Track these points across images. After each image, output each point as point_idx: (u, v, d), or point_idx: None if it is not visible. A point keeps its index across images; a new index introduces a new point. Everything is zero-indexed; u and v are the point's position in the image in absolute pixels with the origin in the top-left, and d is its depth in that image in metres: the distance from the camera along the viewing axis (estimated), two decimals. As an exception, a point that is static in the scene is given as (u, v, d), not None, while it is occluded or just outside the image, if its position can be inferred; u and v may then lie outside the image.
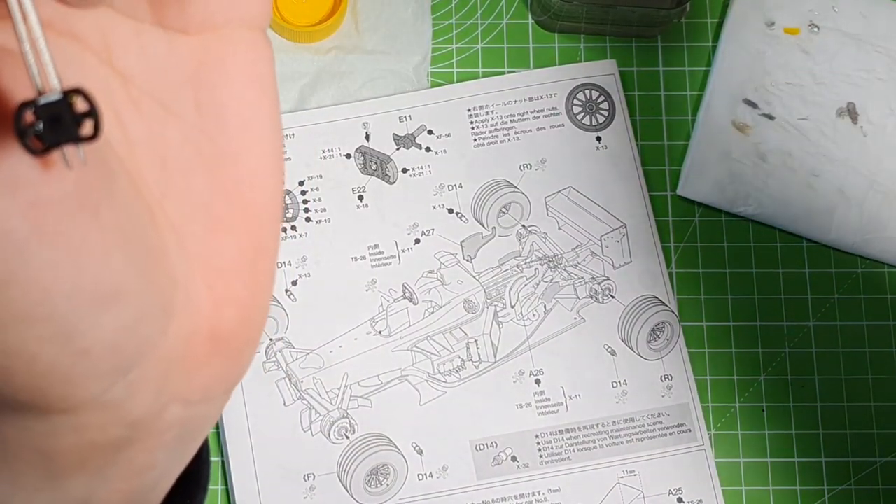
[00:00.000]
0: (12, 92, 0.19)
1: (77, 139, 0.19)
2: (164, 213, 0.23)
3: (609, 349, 0.65)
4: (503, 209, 0.66)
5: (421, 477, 0.63)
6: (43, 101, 0.18)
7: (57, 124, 0.18)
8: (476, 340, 0.65)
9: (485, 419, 0.64)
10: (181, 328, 0.22)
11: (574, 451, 0.63)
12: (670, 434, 0.64)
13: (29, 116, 0.18)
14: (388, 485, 0.63)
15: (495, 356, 0.65)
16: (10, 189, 0.19)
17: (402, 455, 0.63)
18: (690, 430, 0.64)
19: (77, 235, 0.19)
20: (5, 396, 0.20)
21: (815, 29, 0.68)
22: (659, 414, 0.64)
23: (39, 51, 0.19)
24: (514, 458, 0.63)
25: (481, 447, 0.63)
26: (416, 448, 0.63)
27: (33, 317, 0.19)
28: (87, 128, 0.19)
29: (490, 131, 0.67)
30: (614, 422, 0.64)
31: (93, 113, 0.19)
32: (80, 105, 0.19)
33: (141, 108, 0.23)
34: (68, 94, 0.19)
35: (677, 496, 0.63)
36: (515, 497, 0.63)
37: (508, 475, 0.63)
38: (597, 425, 0.64)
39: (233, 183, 0.23)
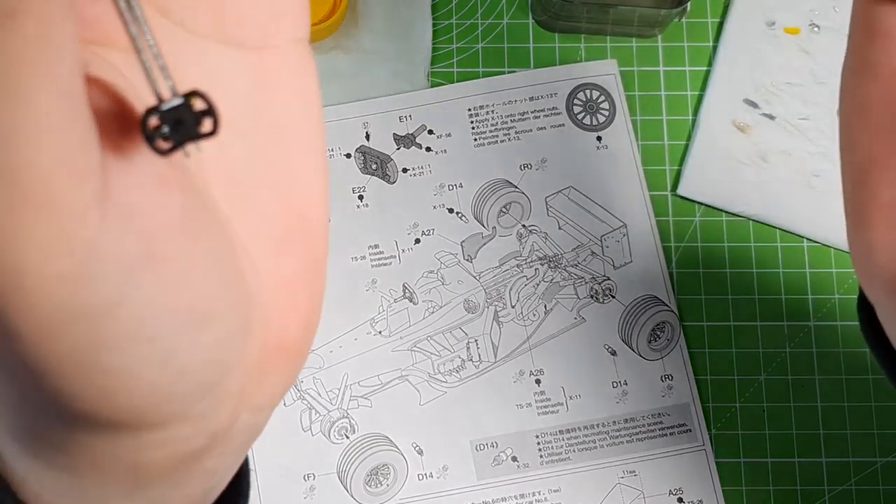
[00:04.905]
0: (130, 103, 0.20)
1: (198, 137, 0.20)
2: (234, 230, 0.24)
3: (609, 349, 0.64)
4: (503, 209, 0.66)
5: (421, 477, 0.63)
6: (166, 106, 0.20)
7: (179, 126, 0.20)
8: (476, 340, 0.65)
9: (485, 419, 0.64)
10: (255, 342, 0.23)
11: (574, 451, 0.63)
12: (671, 434, 0.64)
13: (153, 121, 0.19)
14: (388, 485, 0.62)
15: (495, 356, 0.64)
16: (126, 217, 0.19)
17: (403, 455, 0.63)
18: (691, 430, 0.64)
19: (182, 258, 0.20)
20: (101, 415, 0.21)
21: (816, 29, 0.68)
22: (659, 414, 0.64)
23: (157, 59, 0.20)
24: (514, 458, 0.63)
25: (481, 447, 0.63)
26: (417, 448, 0.63)
27: (139, 338, 0.20)
28: (206, 125, 0.20)
29: (490, 131, 0.67)
30: (614, 422, 0.64)
31: (210, 111, 0.20)
32: (199, 105, 0.20)
33: None
34: (187, 96, 0.20)
35: (677, 496, 0.63)
36: (515, 497, 0.63)
37: (509, 475, 0.63)
38: (597, 425, 0.64)
39: (291, 197, 0.24)
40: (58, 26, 0.17)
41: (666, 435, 0.64)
